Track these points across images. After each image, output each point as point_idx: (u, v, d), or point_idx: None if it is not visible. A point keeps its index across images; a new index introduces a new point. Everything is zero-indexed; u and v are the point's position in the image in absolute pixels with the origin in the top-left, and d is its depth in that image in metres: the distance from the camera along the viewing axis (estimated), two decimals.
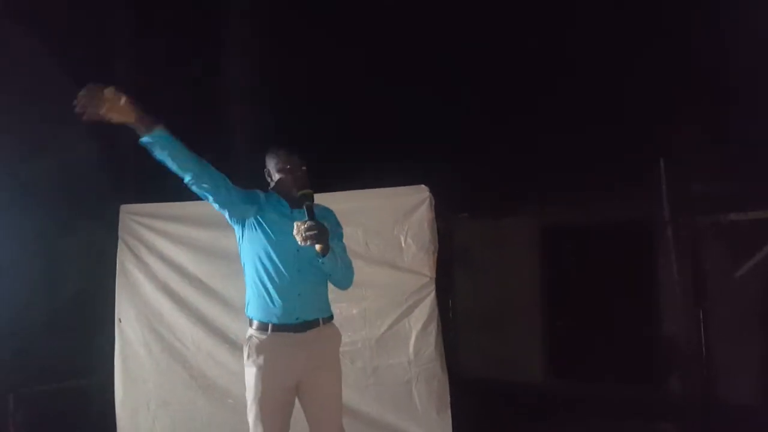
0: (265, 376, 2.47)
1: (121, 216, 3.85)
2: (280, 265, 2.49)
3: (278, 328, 2.49)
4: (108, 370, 3.74)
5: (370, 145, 4.56)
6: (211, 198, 2.46)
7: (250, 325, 2.55)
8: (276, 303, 2.49)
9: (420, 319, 3.78)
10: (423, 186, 3.86)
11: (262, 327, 2.51)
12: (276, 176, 2.64)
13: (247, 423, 2.55)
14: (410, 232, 3.80)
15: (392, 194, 3.88)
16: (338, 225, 2.68)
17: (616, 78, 4.45)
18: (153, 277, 3.83)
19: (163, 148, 2.29)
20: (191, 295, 3.82)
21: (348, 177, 3.81)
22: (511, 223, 5.13)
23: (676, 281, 4.44)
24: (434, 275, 3.82)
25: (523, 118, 4.68)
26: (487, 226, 5.09)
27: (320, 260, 2.40)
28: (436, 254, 3.83)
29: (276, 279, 2.49)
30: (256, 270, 2.53)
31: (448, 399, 3.74)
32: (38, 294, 4.00)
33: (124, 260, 3.82)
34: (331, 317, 2.65)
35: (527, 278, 5.11)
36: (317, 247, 2.31)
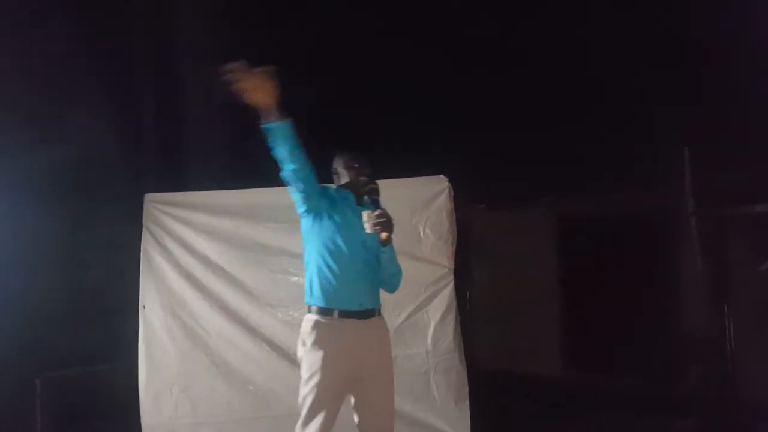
0: (331, 359, 2.51)
1: (146, 205, 3.91)
2: (348, 254, 2.60)
3: (344, 314, 2.57)
4: (132, 355, 3.80)
5: (389, 135, 4.57)
6: (302, 188, 2.57)
7: (309, 311, 2.62)
8: (343, 289, 2.58)
9: (438, 310, 3.80)
10: (442, 176, 3.87)
11: (327, 312, 2.57)
12: (343, 173, 2.81)
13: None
14: (429, 223, 3.81)
15: (411, 184, 3.89)
16: None
17: (635, 68, 4.38)
18: (176, 264, 3.88)
19: (285, 138, 2.46)
20: (214, 283, 3.88)
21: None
22: (529, 214, 5.10)
23: (700, 274, 4.37)
24: (453, 266, 3.83)
25: (541, 110, 4.65)
26: (504, 217, 5.06)
27: (382, 249, 2.55)
28: (454, 245, 3.83)
29: (344, 267, 2.59)
30: (323, 258, 2.61)
31: (467, 390, 3.76)
32: (63, 282, 4.07)
33: (148, 248, 3.88)
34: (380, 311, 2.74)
35: (545, 270, 5.07)
36: (383, 235, 2.47)
